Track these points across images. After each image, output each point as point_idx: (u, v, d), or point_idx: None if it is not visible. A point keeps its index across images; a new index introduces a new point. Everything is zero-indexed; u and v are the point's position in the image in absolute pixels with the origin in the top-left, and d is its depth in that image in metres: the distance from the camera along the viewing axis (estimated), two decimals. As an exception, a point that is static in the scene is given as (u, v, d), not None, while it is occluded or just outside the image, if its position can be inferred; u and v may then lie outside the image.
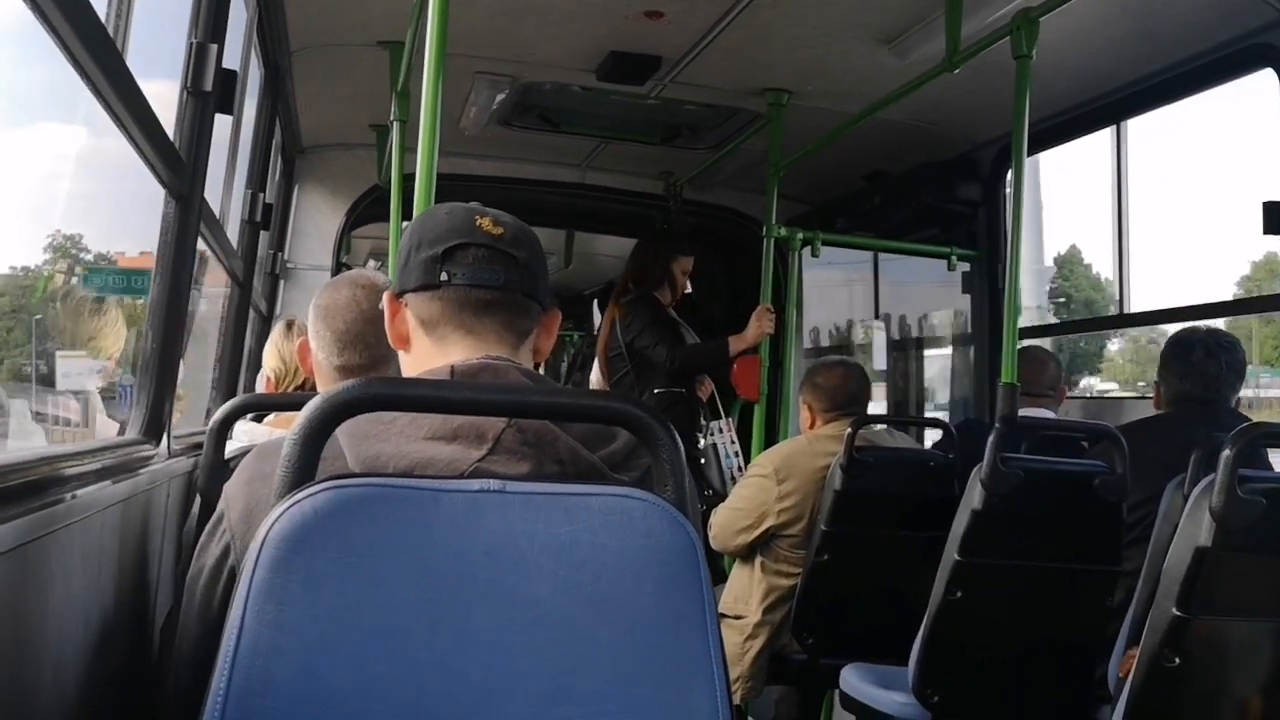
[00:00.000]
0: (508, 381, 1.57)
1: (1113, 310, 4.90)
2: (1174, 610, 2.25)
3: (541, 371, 1.82)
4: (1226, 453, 2.19)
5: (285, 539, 1.25)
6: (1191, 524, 2.24)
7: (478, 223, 1.64)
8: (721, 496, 4.79)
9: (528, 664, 1.29)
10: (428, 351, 1.66)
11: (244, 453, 1.95)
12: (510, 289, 1.64)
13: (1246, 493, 2.18)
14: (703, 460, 5.32)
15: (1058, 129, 4.66)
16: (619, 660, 1.32)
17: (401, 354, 1.73)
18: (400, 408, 1.43)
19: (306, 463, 1.30)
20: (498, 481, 1.33)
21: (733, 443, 5.37)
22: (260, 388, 3.38)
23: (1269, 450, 3.08)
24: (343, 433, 1.38)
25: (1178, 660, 2.27)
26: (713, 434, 5.36)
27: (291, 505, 1.26)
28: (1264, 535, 2.22)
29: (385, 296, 1.71)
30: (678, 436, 1.40)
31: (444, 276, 1.62)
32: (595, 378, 5.94)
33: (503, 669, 1.28)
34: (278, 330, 3.28)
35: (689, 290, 5.62)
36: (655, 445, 1.39)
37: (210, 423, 2.31)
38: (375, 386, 1.37)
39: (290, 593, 1.24)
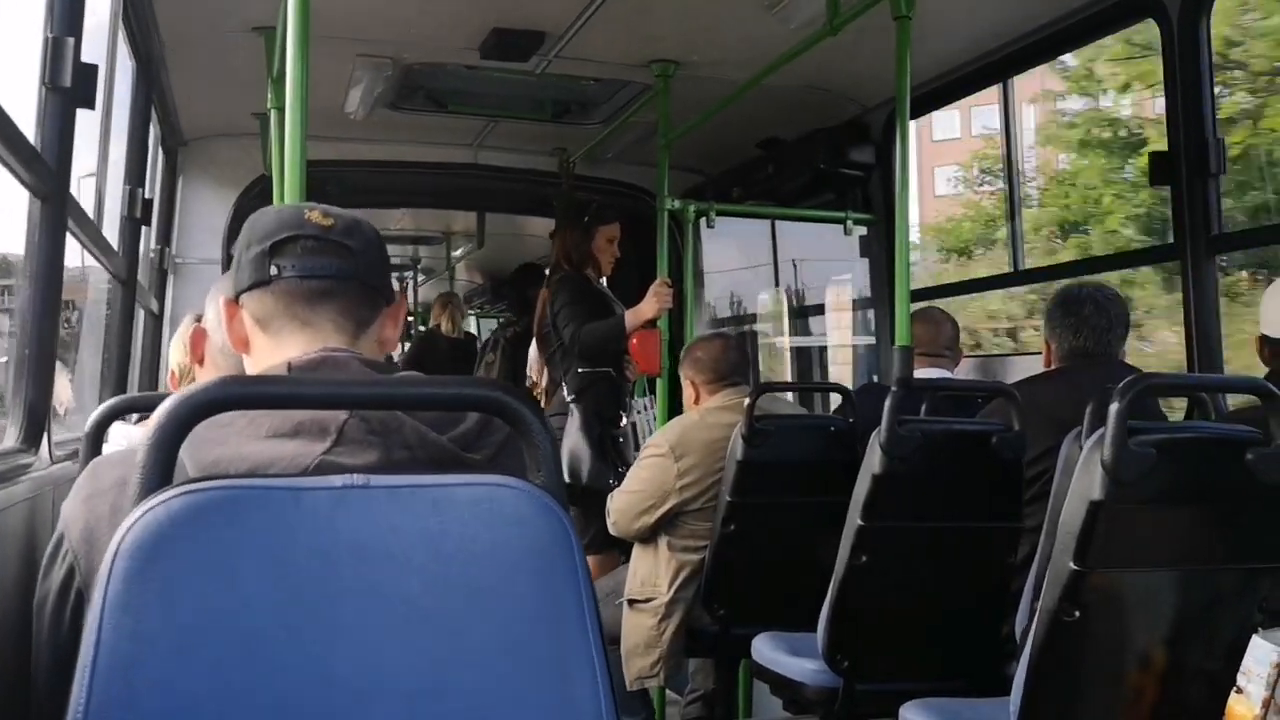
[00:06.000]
0: (350, 374, 1.54)
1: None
2: (1071, 564, 2.25)
3: None
4: (1115, 405, 2.19)
5: (139, 548, 1.21)
6: (1084, 478, 2.24)
7: (306, 216, 1.63)
8: None
9: (401, 661, 1.26)
10: (266, 349, 1.63)
11: None
12: (344, 278, 1.61)
13: (1137, 445, 2.19)
14: (621, 440, 5.28)
15: (945, 88, 4.68)
16: (496, 652, 1.29)
17: (245, 359, 1.70)
18: (265, 405, 1.39)
19: (162, 467, 1.25)
20: (361, 476, 1.29)
21: (655, 420, 5.34)
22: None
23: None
24: None
25: (1077, 613, 2.27)
26: (636, 412, 5.33)
27: (144, 514, 1.22)
28: (1156, 486, 2.23)
29: (221, 301, 1.69)
30: (547, 420, 1.38)
31: (274, 270, 1.60)
32: (533, 354, 5.94)
33: (374, 667, 1.25)
34: (185, 324, 3.19)
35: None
36: (526, 430, 1.36)
37: (87, 425, 2.25)
38: (235, 385, 1.32)
39: (146, 602, 1.20)
